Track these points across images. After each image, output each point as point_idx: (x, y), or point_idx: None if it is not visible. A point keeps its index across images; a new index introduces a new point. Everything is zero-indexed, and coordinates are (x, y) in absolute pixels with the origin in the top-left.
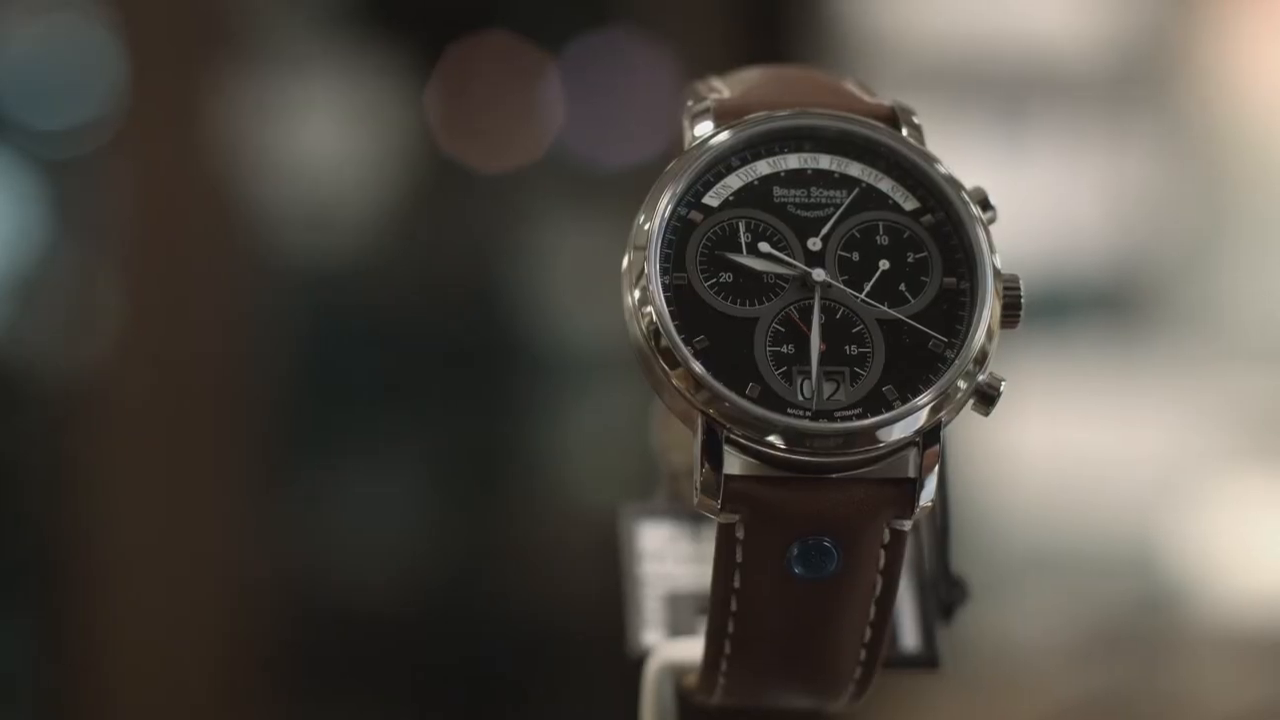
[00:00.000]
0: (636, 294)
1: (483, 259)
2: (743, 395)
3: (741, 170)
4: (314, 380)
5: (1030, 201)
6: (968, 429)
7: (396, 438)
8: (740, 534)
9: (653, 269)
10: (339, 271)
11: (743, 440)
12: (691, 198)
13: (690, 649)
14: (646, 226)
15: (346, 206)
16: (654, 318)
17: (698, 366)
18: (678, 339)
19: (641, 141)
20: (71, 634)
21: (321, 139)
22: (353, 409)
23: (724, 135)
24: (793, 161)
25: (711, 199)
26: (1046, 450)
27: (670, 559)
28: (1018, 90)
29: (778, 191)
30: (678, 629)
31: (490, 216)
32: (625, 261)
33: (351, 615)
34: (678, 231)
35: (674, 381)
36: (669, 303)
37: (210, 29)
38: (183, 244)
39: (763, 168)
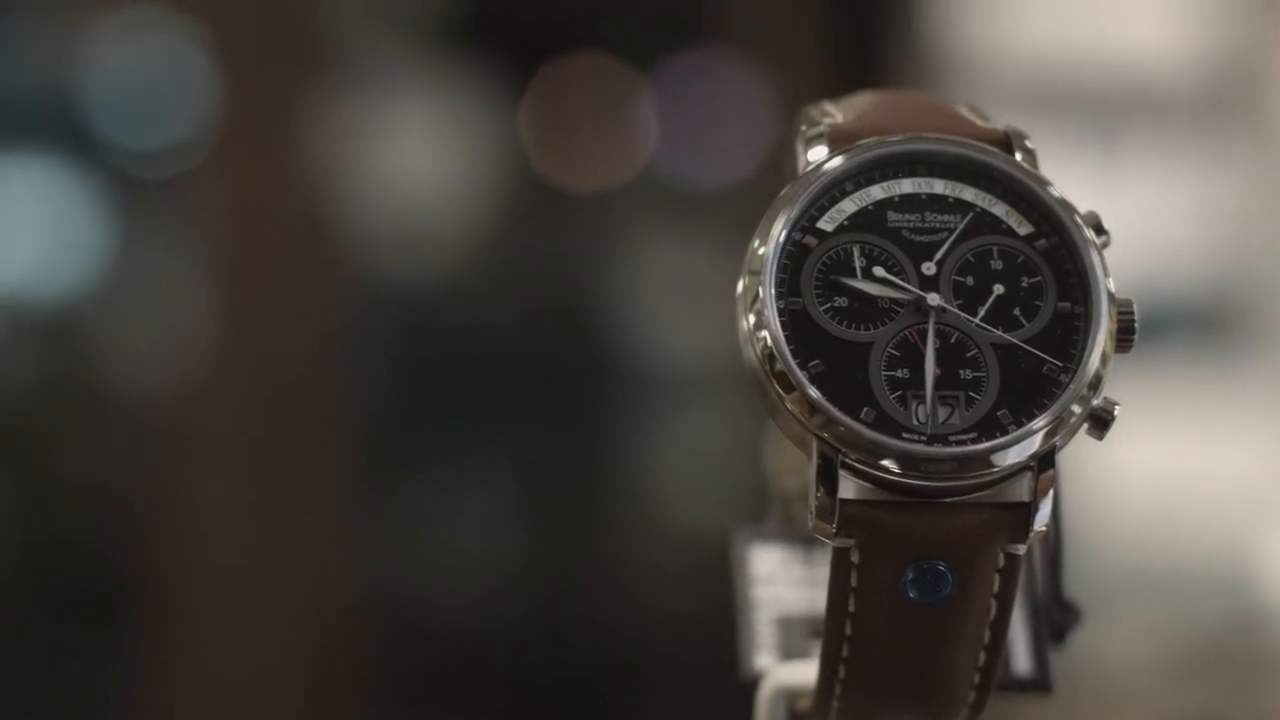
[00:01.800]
0: (751, 318)
1: (576, 278)
2: (858, 420)
3: (856, 195)
4: (408, 399)
5: (1125, 221)
6: (1067, 449)
7: (495, 458)
8: (855, 558)
9: (768, 293)
10: (432, 291)
11: (857, 465)
12: (806, 222)
13: (803, 673)
14: (761, 251)
15: (440, 226)
16: (769, 342)
17: (813, 391)
18: (793, 363)
19: (734, 161)
20: (163, 657)
21: (415, 159)
22: (449, 429)
23: (838, 160)
24: (907, 186)
25: (826, 224)
26: (1144, 470)
27: (782, 583)
28: (1112, 109)
29: (892, 216)
30: (790, 653)
31: (583, 236)
32: (740, 286)
33: (448, 637)
34: (792, 256)
35: (788, 406)
36: (784, 327)
37: (304, 49)
38: (276, 264)
39: (877, 192)
